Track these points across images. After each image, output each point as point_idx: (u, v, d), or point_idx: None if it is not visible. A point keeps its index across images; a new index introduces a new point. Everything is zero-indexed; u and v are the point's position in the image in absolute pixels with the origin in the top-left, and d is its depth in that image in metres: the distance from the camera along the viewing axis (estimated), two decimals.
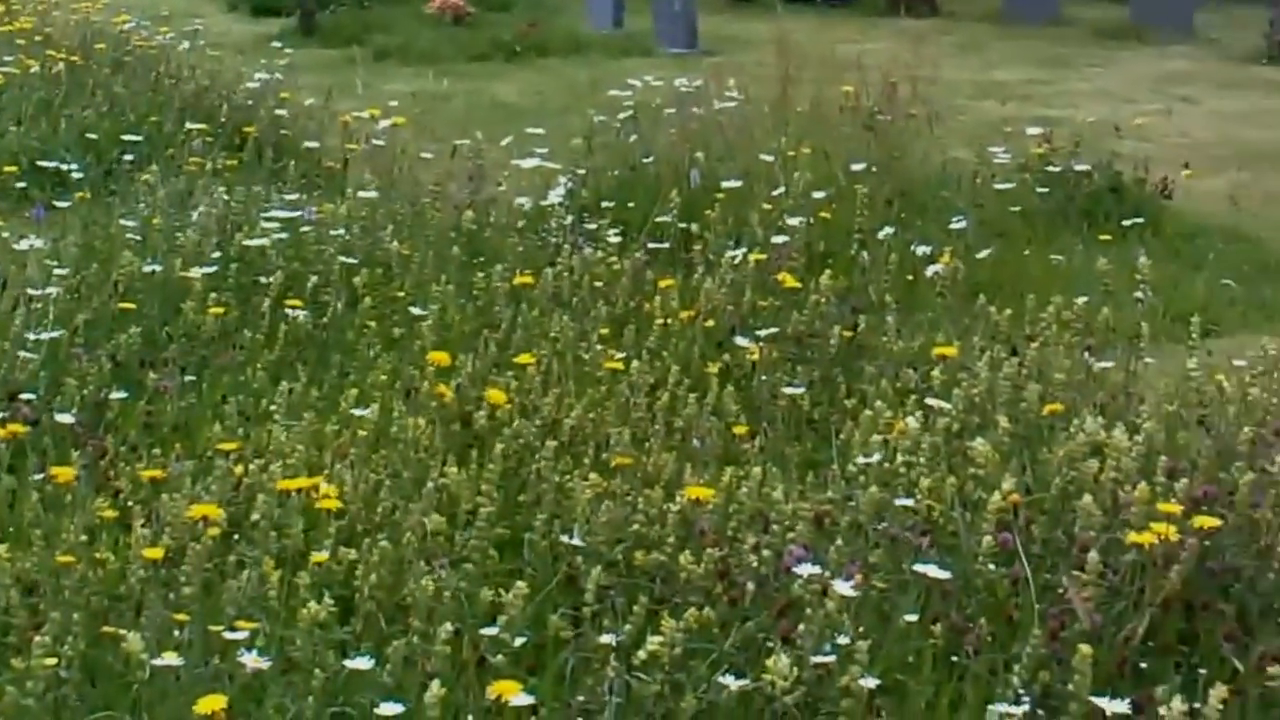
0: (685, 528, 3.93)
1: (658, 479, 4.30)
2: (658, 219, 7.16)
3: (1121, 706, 3.17)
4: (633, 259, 6.36)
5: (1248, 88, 13.64)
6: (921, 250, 6.59)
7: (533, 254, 6.72)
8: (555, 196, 7.74)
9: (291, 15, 17.09)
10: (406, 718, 3.22)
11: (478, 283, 6.11)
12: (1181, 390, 4.70)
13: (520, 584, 3.47)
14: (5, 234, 6.77)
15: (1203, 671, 3.49)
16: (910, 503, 3.91)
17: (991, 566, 3.70)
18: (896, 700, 3.45)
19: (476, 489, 4.05)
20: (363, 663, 3.38)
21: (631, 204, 7.74)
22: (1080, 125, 9.46)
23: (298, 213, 6.80)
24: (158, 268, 6.11)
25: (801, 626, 3.42)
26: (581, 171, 8.38)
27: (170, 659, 3.33)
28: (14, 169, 8.58)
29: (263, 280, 6.04)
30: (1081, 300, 5.31)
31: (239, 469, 4.25)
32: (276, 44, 13.03)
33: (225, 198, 7.00)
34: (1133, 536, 3.60)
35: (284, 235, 6.48)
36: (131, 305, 5.83)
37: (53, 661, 3.34)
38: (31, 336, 5.43)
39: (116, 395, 5.10)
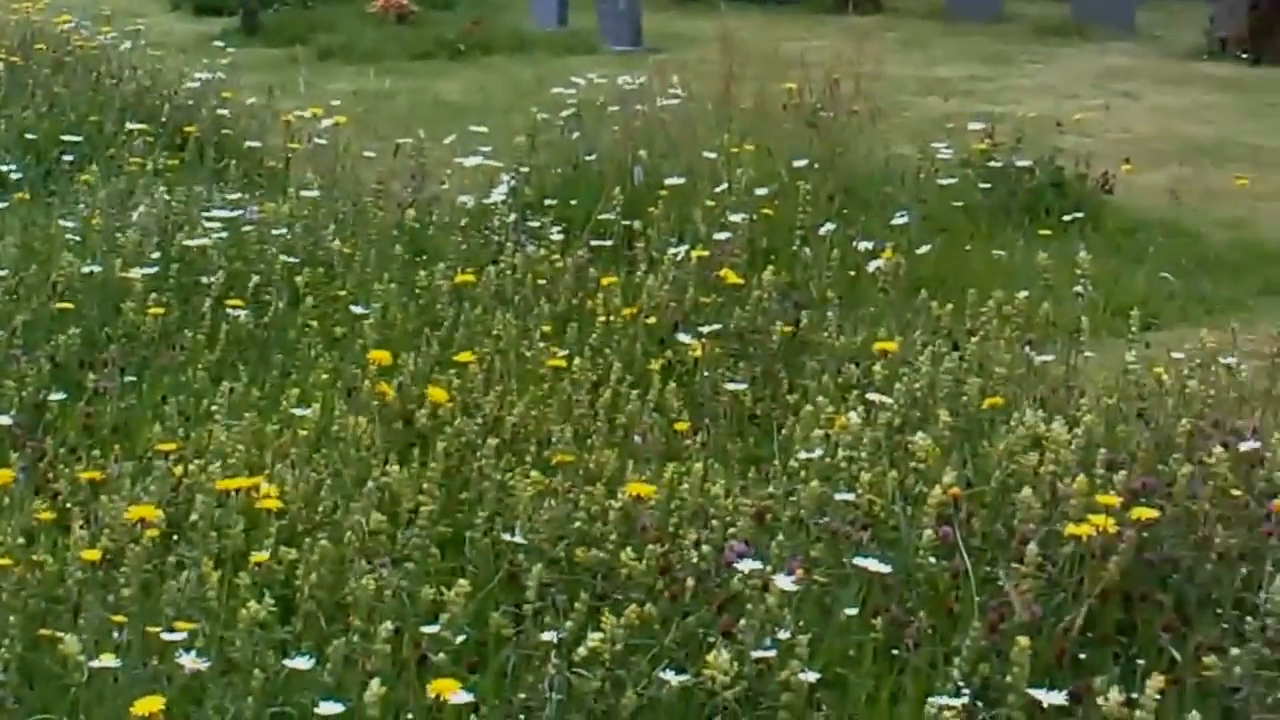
0: (627, 524, 3.93)
1: (599, 476, 4.30)
2: (601, 216, 7.17)
3: (1059, 698, 3.19)
4: (575, 256, 6.35)
5: (1188, 83, 13.74)
6: (864, 246, 6.60)
7: (475, 252, 6.73)
8: (498, 194, 7.73)
9: (234, 15, 17.07)
10: (347, 717, 3.20)
11: (420, 281, 6.11)
12: (1121, 383, 4.74)
13: (462, 582, 3.46)
14: None
15: (1140, 662, 3.53)
16: (851, 497, 3.93)
17: (932, 560, 3.72)
18: (837, 694, 3.46)
19: (418, 487, 4.04)
20: (303, 662, 3.36)
21: (574, 202, 7.74)
22: (1022, 121, 9.49)
23: (239, 212, 6.77)
24: (97, 268, 6.07)
25: (742, 621, 3.43)
26: (524, 169, 8.36)
27: (108, 661, 3.31)
28: None
29: (204, 280, 6.02)
30: (1023, 295, 5.34)
31: (179, 469, 4.23)
32: (219, 43, 12.92)
33: (166, 198, 6.97)
34: (1071, 528, 3.62)
35: (225, 235, 6.45)
36: (71, 306, 5.79)
37: None
38: None
39: (55, 396, 5.08)
